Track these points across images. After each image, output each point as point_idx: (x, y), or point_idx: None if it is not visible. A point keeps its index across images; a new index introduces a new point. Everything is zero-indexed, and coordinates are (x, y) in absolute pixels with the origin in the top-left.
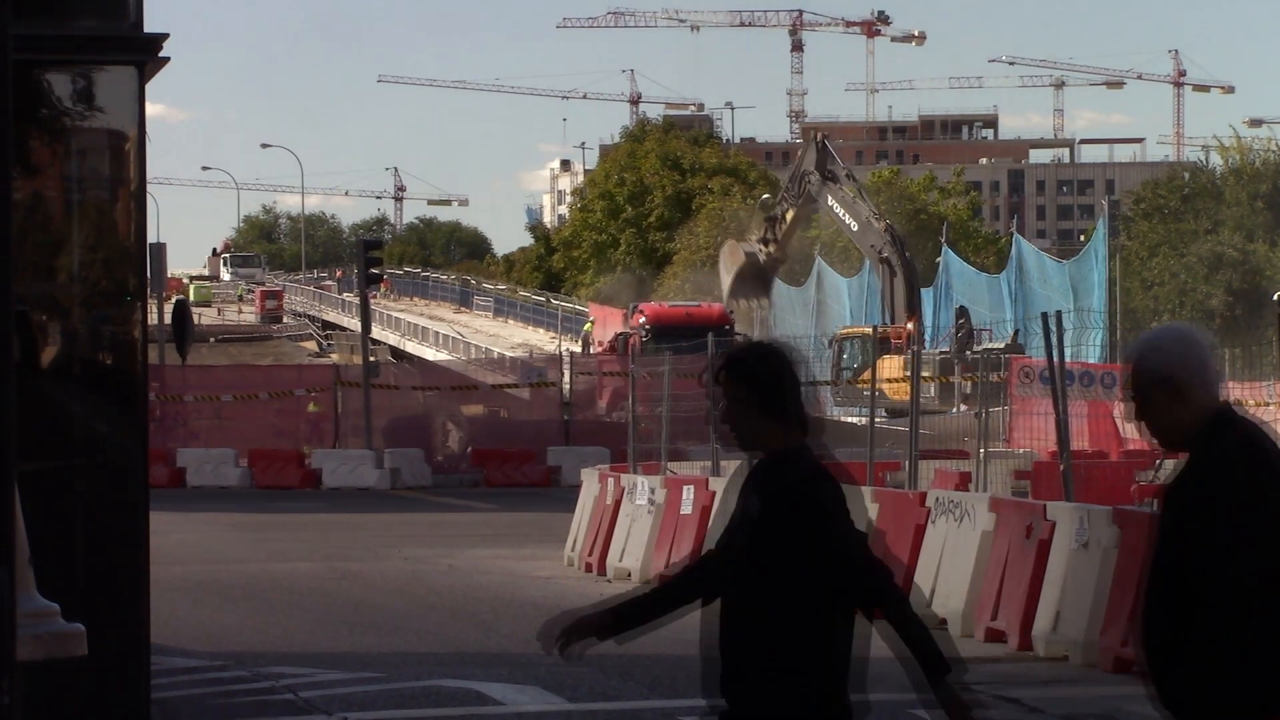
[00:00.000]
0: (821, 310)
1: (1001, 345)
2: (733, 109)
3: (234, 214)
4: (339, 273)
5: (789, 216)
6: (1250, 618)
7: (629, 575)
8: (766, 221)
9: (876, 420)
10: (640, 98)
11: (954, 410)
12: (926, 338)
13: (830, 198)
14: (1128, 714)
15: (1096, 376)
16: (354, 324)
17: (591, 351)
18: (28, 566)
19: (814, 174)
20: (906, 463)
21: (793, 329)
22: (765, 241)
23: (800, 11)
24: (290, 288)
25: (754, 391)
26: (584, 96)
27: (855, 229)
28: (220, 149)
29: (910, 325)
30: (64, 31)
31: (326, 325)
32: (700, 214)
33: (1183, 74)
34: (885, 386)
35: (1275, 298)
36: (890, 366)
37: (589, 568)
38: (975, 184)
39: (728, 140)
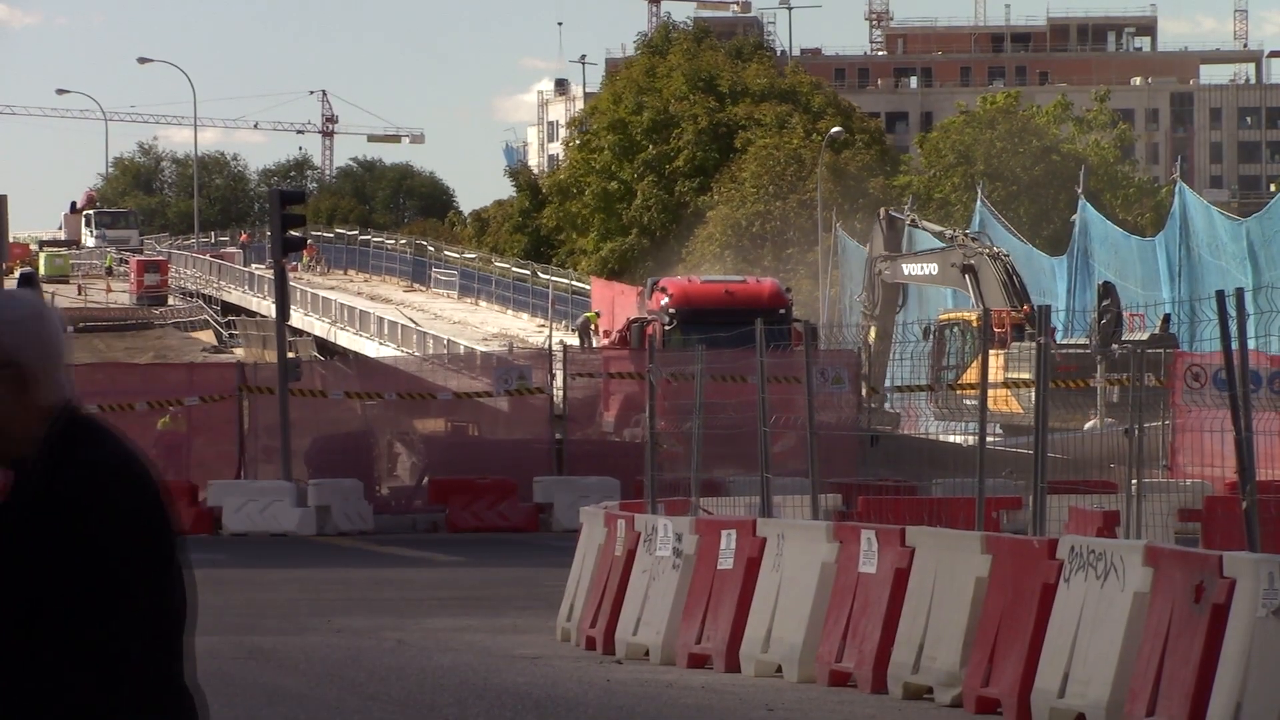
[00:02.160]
0: (917, 289)
1: (1146, 336)
2: (790, 9)
3: (100, 155)
4: (244, 236)
5: (870, 339)
6: (142, 656)
7: (645, 654)
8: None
9: (989, 440)
10: None
11: (1095, 426)
12: (1058, 326)
13: (905, 268)
14: None
15: None
16: (266, 307)
17: (594, 345)
18: None
19: (881, 258)
20: (1030, 498)
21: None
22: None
23: None
24: (178, 257)
25: None
26: None
27: (936, 272)
28: (82, 66)
29: (1025, 309)
30: None
31: (228, 309)
32: (745, 154)
33: None
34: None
35: None
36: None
37: (591, 643)
38: (1125, 113)
39: (783, 53)
